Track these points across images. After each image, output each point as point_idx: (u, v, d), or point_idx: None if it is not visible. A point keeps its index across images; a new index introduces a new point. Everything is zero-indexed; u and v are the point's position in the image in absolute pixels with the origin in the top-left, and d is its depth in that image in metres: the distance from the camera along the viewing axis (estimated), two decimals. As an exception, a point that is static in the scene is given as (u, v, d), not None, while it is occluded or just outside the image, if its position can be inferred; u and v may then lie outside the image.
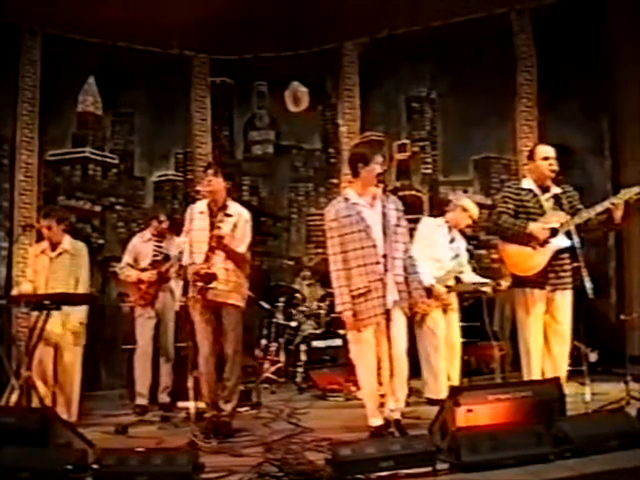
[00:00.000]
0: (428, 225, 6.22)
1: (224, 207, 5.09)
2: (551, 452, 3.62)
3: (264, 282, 8.69)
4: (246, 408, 5.92)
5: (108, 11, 7.59)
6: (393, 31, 8.60)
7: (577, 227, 4.97)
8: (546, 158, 5.23)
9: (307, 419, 5.51)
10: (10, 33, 7.79)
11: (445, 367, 5.95)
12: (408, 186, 8.75)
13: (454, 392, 4.06)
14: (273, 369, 7.55)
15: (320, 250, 8.66)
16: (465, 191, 8.36)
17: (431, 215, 7.34)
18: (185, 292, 4.99)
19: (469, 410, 3.86)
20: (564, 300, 5.18)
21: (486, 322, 5.93)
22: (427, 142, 8.79)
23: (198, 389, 5.03)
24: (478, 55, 8.13)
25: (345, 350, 6.29)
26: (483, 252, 7.93)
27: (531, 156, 5.37)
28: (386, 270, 4.40)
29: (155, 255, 6.30)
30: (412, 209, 7.99)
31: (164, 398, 6.20)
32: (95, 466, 3.56)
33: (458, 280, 6.10)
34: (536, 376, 5.07)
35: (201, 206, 5.15)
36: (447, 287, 5.98)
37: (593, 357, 6.43)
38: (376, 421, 4.60)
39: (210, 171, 5.09)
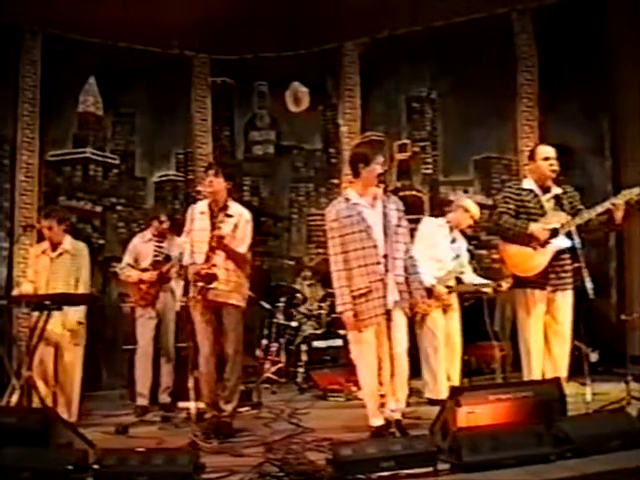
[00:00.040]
0: (429, 225, 6.22)
1: (225, 207, 5.09)
2: (552, 452, 3.62)
3: (265, 282, 8.69)
4: (247, 408, 5.92)
5: (108, 11, 7.59)
6: (394, 31, 8.60)
7: (578, 227, 4.98)
8: (547, 158, 5.23)
9: (308, 419, 5.51)
10: (10, 33, 7.79)
11: (445, 367, 5.95)
12: (409, 186, 8.75)
13: (455, 392, 4.06)
14: (274, 369, 7.55)
15: (321, 250, 8.67)
16: (466, 191, 8.36)
17: (432, 215, 7.34)
18: (186, 292, 4.99)
19: (470, 410, 3.86)
20: (565, 300, 5.18)
21: (487, 322, 5.93)
22: (428, 142, 8.78)
23: (199, 389, 5.02)
24: (479, 55, 8.13)
25: (346, 350, 6.30)
26: (484, 252, 7.92)
27: (532, 156, 5.37)
28: (387, 270, 4.40)
29: (156, 255, 6.29)
30: (413, 209, 7.98)
31: (165, 398, 6.20)
32: (96, 466, 3.56)
33: (459, 281, 6.10)
34: (537, 376, 5.07)
35: (202, 206, 5.15)
36: (448, 287, 5.98)
37: (594, 357, 6.42)
38: (377, 421, 4.60)
39: (211, 172, 5.09)
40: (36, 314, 5.09)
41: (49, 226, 5.85)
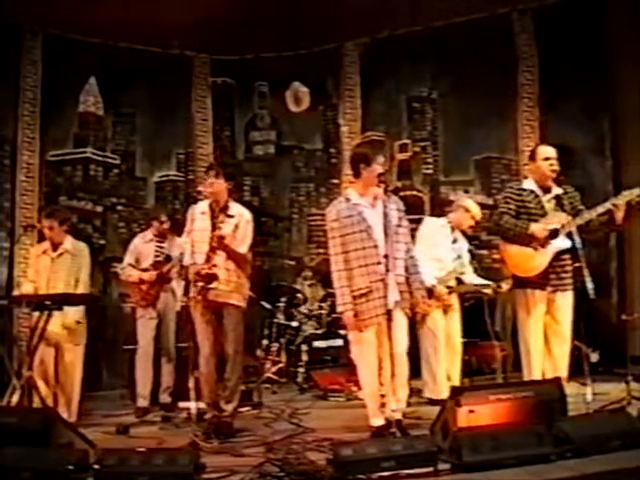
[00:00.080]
0: (430, 226, 6.22)
1: (226, 208, 5.09)
2: (552, 452, 3.62)
3: (265, 282, 8.69)
4: (247, 408, 5.92)
5: (109, 11, 7.59)
6: (394, 31, 8.60)
7: (578, 228, 4.97)
8: (547, 158, 5.24)
9: (308, 419, 5.51)
10: (11, 33, 7.80)
11: (446, 367, 5.96)
12: (409, 186, 8.75)
13: (455, 392, 4.06)
14: (274, 369, 7.55)
15: (321, 250, 8.68)
16: (466, 191, 8.37)
17: (432, 215, 7.34)
18: (186, 292, 4.99)
19: (470, 410, 3.86)
20: (565, 301, 5.18)
21: (488, 322, 5.93)
22: (428, 142, 8.78)
23: (199, 389, 5.03)
24: (479, 55, 8.13)
25: (346, 350, 6.30)
26: (484, 252, 7.92)
27: (532, 157, 5.37)
28: (387, 270, 4.39)
29: (157, 256, 6.29)
30: (413, 209, 7.99)
31: (165, 398, 6.20)
32: (96, 466, 3.56)
33: (459, 281, 6.10)
34: (537, 376, 5.08)
35: (203, 206, 5.15)
36: (448, 288, 5.98)
37: (594, 357, 6.42)
38: (377, 421, 4.60)
39: (211, 172, 5.09)
40: (36, 314, 5.08)
41: (50, 226, 5.84)
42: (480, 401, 3.94)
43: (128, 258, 6.36)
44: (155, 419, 5.88)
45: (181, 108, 9.02)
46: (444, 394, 5.45)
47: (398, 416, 4.40)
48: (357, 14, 8.20)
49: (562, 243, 5.03)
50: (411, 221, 5.13)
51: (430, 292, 5.58)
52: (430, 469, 3.53)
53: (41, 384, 5.39)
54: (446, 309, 6.03)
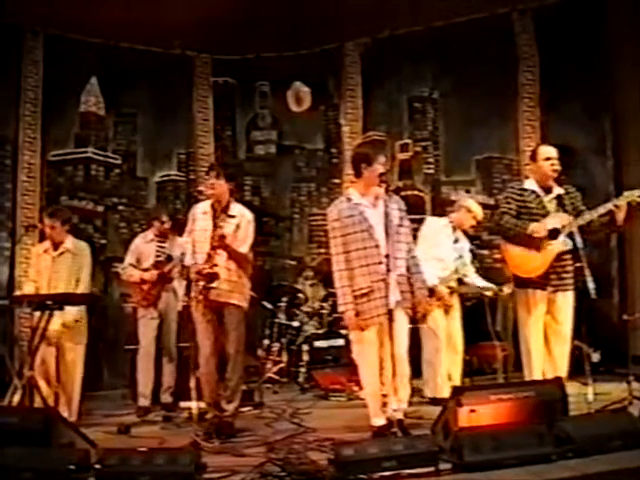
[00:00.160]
0: (432, 225, 6.23)
1: (227, 208, 5.09)
2: (553, 452, 3.62)
3: (266, 282, 8.70)
4: (248, 408, 5.92)
5: (110, 11, 7.60)
6: (395, 31, 8.61)
7: (579, 228, 4.96)
8: (548, 158, 5.23)
9: (309, 419, 5.51)
10: (12, 33, 7.81)
11: (447, 368, 5.96)
12: (410, 186, 8.76)
13: (457, 392, 4.06)
14: (275, 369, 7.56)
15: (322, 250, 8.68)
16: (467, 191, 8.37)
17: (434, 215, 7.35)
18: (188, 292, 4.99)
19: (472, 410, 3.86)
20: (565, 301, 5.17)
21: (489, 322, 5.93)
22: (429, 142, 8.80)
23: (200, 389, 5.03)
24: (480, 55, 8.14)
25: (347, 350, 6.32)
26: (485, 252, 7.93)
27: (533, 157, 5.36)
28: (388, 270, 4.39)
29: (158, 255, 6.29)
30: (414, 209, 7.98)
31: (167, 398, 6.20)
32: (98, 466, 3.56)
33: (460, 281, 6.11)
34: (537, 376, 5.07)
35: (204, 206, 5.15)
36: (449, 288, 5.98)
37: (595, 357, 6.42)
38: (379, 421, 4.60)
39: (212, 173, 5.09)
40: (38, 314, 5.08)
41: (52, 225, 5.84)
42: (481, 401, 3.94)
43: (129, 258, 6.37)
44: (156, 419, 5.88)
45: (182, 108, 9.03)
46: (445, 393, 5.46)
47: (399, 416, 4.41)
48: (358, 14, 8.21)
49: (563, 246, 5.01)
50: (412, 221, 5.13)
51: (431, 292, 5.58)
52: (431, 469, 3.53)
53: (42, 384, 5.39)
54: (447, 309, 6.03)
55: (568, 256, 5.07)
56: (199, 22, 7.97)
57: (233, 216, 5.07)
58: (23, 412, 4.44)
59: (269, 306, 8.06)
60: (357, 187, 4.80)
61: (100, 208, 8.43)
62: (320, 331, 7.81)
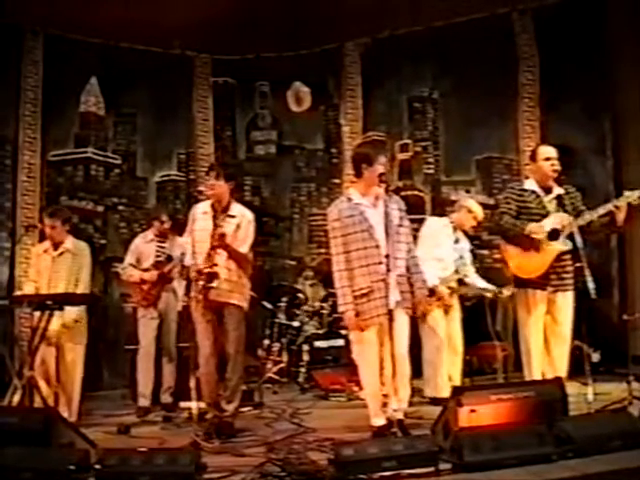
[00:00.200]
0: (432, 226, 6.23)
1: (228, 208, 5.09)
2: (553, 452, 3.62)
3: (266, 282, 8.70)
4: (249, 408, 5.92)
5: (110, 11, 7.59)
6: (395, 31, 8.61)
7: (579, 228, 4.96)
8: (548, 159, 5.22)
9: (309, 419, 5.51)
10: (12, 33, 7.81)
11: (447, 368, 5.96)
12: (410, 186, 8.75)
13: (457, 392, 4.06)
14: (275, 369, 7.56)
15: (322, 250, 8.68)
16: (467, 191, 8.37)
17: (434, 215, 7.35)
18: (187, 292, 4.99)
19: (472, 410, 3.86)
20: (565, 301, 5.17)
21: (489, 322, 5.93)
22: (429, 142, 8.80)
23: (200, 389, 5.03)
24: (480, 55, 8.14)
25: (347, 350, 6.32)
26: (485, 252, 7.93)
27: (533, 157, 5.35)
28: (388, 270, 4.39)
29: (158, 256, 6.29)
30: (414, 209, 7.99)
31: (166, 398, 6.19)
32: (97, 466, 3.56)
33: (461, 282, 6.11)
34: (537, 376, 5.07)
35: (204, 206, 5.15)
36: (449, 288, 5.98)
37: (595, 357, 6.43)
38: (379, 421, 4.60)
39: (212, 174, 5.08)
40: (38, 314, 5.08)
41: (52, 225, 5.84)
42: (481, 401, 3.94)
43: (129, 258, 6.37)
44: (156, 419, 5.88)
45: (182, 108, 9.03)
46: (445, 393, 5.46)
47: (399, 416, 4.41)
48: (358, 14, 8.20)
49: (563, 246, 5.01)
50: (412, 221, 5.14)
51: (432, 292, 5.59)
52: (431, 469, 3.53)
53: (42, 384, 5.39)
54: (447, 309, 6.04)
55: (568, 256, 5.07)
56: (199, 22, 7.96)
57: (233, 216, 5.07)
58: (23, 412, 4.44)
59: (269, 306, 8.06)
60: (357, 187, 4.80)
61: (100, 208, 8.43)
62: (320, 331, 7.81)
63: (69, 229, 5.99)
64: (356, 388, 6.20)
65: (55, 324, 5.43)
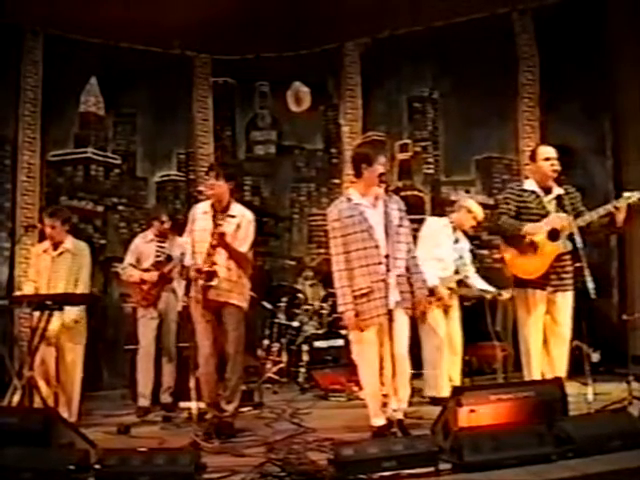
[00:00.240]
0: (432, 226, 6.23)
1: (228, 208, 5.09)
2: (553, 452, 3.62)
3: (266, 282, 8.71)
4: (248, 408, 5.92)
5: (110, 11, 7.59)
6: (395, 31, 8.61)
7: (579, 229, 4.96)
8: (548, 159, 5.22)
9: (309, 419, 5.51)
10: (12, 33, 7.81)
11: (446, 368, 5.95)
12: (410, 186, 8.75)
13: (456, 392, 4.06)
14: (275, 369, 7.56)
15: (322, 250, 8.68)
16: (467, 191, 8.37)
17: (434, 215, 7.35)
18: (187, 292, 4.99)
19: (471, 410, 3.86)
20: (565, 301, 5.17)
21: (488, 322, 5.93)
22: (429, 142, 8.79)
23: (200, 389, 5.02)
24: (480, 55, 8.13)
25: (347, 350, 6.31)
26: (485, 252, 7.93)
27: (533, 157, 5.35)
28: (388, 270, 4.39)
29: (157, 256, 6.29)
30: (414, 209, 7.99)
31: (166, 398, 6.19)
32: (97, 466, 3.56)
33: (461, 282, 6.11)
34: (536, 376, 5.07)
35: (204, 206, 5.15)
36: (449, 289, 5.98)
37: (595, 357, 6.43)
38: (378, 421, 4.60)
39: (212, 174, 5.08)
40: (37, 314, 5.08)
41: (52, 225, 5.84)
42: (481, 401, 3.94)
43: (129, 258, 6.36)
44: (156, 419, 5.88)
45: (182, 108, 9.02)
46: (445, 392, 5.46)
47: (399, 416, 4.41)
48: (358, 14, 8.20)
49: (563, 246, 5.01)
50: (412, 221, 5.14)
51: (431, 292, 5.59)
52: (431, 469, 3.53)
53: (42, 384, 5.39)
54: (446, 309, 6.04)
55: (568, 256, 5.07)
56: (199, 22, 7.96)
57: (234, 216, 5.07)
58: (23, 412, 4.44)
59: (269, 306, 8.06)
60: (357, 187, 4.81)
61: (100, 208, 8.43)
62: (320, 331, 7.81)
63: (69, 229, 5.99)
64: (356, 388, 6.20)
65: (55, 324, 5.43)
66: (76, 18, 7.68)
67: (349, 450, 3.56)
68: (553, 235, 5.04)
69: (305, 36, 8.62)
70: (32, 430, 3.83)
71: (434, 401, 5.76)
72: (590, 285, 4.67)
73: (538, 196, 5.21)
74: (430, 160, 8.76)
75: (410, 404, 5.02)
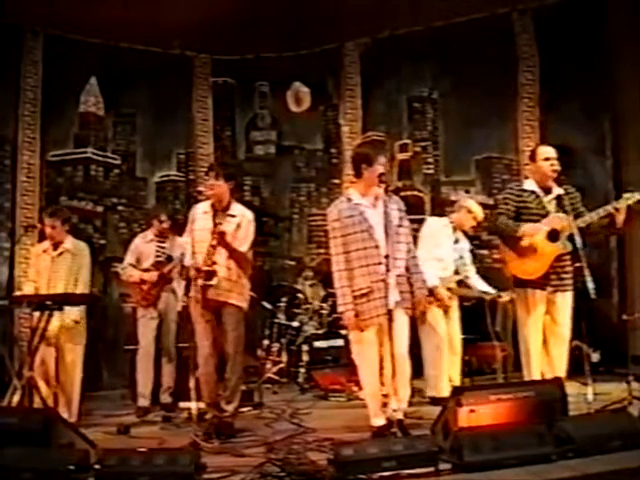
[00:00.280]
0: (432, 226, 6.22)
1: (228, 208, 5.09)
2: (553, 452, 3.62)
3: (266, 282, 8.71)
4: (248, 408, 5.92)
5: (110, 11, 7.59)
6: (394, 31, 8.61)
7: (579, 229, 4.96)
8: (547, 159, 5.22)
9: (309, 419, 5.51)
10: (12, 33, 7.81)
11: (446, 368, 5.95)
12: (410, 186, 8.75)
13: (456, 392, 4.06)
14: (275, 369, 7.56)
15: (322, 250, 8.69)
16: (467, 191, 8.37)
17: (433, 215, 7.35)
18: (187, 292, 4.99)
19: (471, 410, 3.86)
20: (564, 301, 5.17)
21: (488, 322, 5.93)
22: (429, 142, 8.79)
23: (200, 389, 5.02)
24: (480, 55, 8.13)
25: (347, 350, 6.30)
26: (485, 252, 7.93)
27: (532, 157, 5.35)
28: (388, 270, 4.39)
29: (157, 256, 6.29)
30: (414, 209, 7.99)
31: (166, 398, 6.19)
32: (97, 466, 3.56)
33: (461, 283, 6.11)
34: (536, 376, 5.07)
35: (204, 206, 5.15)
36: (449, 289, 5.98)
37: (595, 357, 6.44)
38: (378, 421, 4.60)
39: (212, 174, 5.08)
40: (37, 314, 5.08)
41: (52, 225, 5.84)
42: (481, 401, 3.94)
43: (129, 258, 6.36)
44: (156, 419, 5.88)
45: (182, 108, 9.02)
46: (446, 392, 5.46)
47: (399, 416, 4.41)
48: (358, 14, 8.20)
49: (563, 247, 5.01)
50: (412, 221, 5.14)
51: (431, 292, 5.59)
52: (431, 469, 3.53)
53: (42, 384, 5.39)
54: (446, 309, 6.03)
55: (568, 256, 5.07)
56: (199, 22, 7.96)
57: (234, 215, 5.07)
58: (23, 412, 4.43)
59: (269, 306, 8.05)
60: (357, 187, 4.81)
61: (99, 208, 8.43)
62: (320, 331, 7.81)
63: (69, 229, 5.99)
64: (356, 388, 6.20)
65: (54, 324, 5.43)
66: (76, 18, 7.68)
67: (349, 450, 3.56)
68: (553, 236, 5.04)
69: (305, 36, 8.62)
70: (32, 430, 3.83)
71: (434, 401, 5.76)
72: (590, 285, 4.67)
73: (538, 196, 5.21)
74: (430, 160, 8.76)
75: (410, 404, 5.02)
